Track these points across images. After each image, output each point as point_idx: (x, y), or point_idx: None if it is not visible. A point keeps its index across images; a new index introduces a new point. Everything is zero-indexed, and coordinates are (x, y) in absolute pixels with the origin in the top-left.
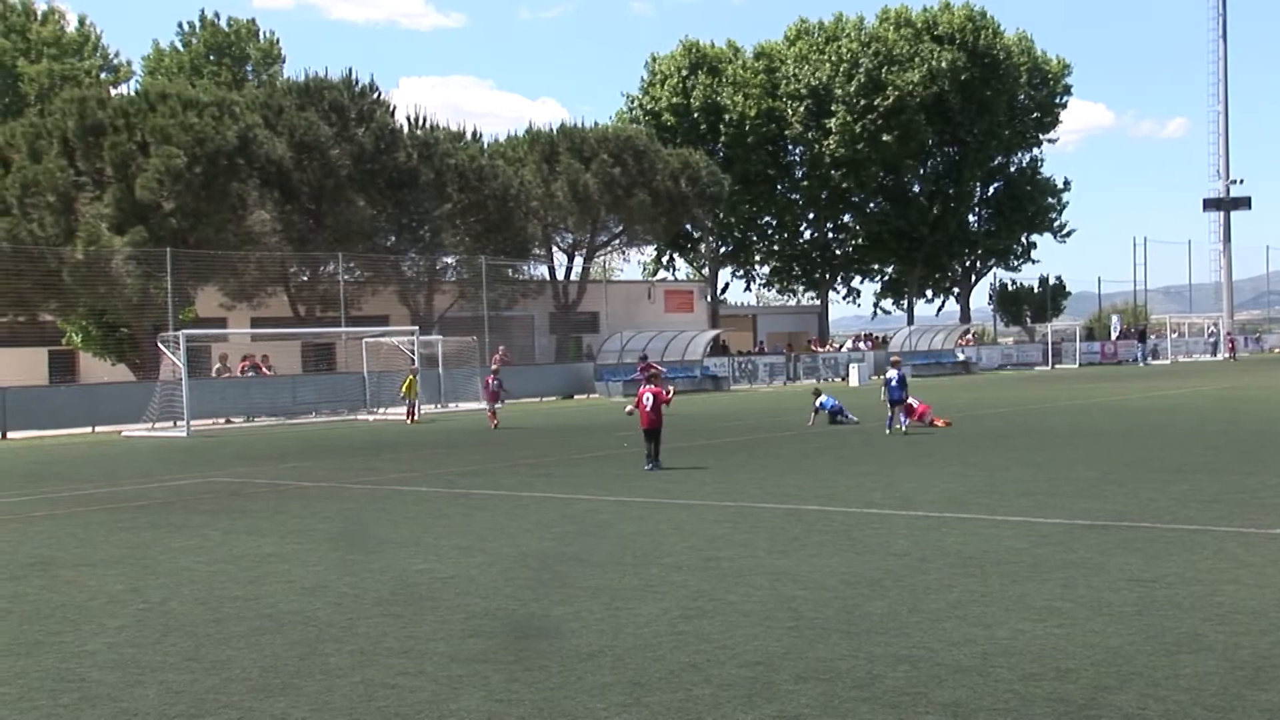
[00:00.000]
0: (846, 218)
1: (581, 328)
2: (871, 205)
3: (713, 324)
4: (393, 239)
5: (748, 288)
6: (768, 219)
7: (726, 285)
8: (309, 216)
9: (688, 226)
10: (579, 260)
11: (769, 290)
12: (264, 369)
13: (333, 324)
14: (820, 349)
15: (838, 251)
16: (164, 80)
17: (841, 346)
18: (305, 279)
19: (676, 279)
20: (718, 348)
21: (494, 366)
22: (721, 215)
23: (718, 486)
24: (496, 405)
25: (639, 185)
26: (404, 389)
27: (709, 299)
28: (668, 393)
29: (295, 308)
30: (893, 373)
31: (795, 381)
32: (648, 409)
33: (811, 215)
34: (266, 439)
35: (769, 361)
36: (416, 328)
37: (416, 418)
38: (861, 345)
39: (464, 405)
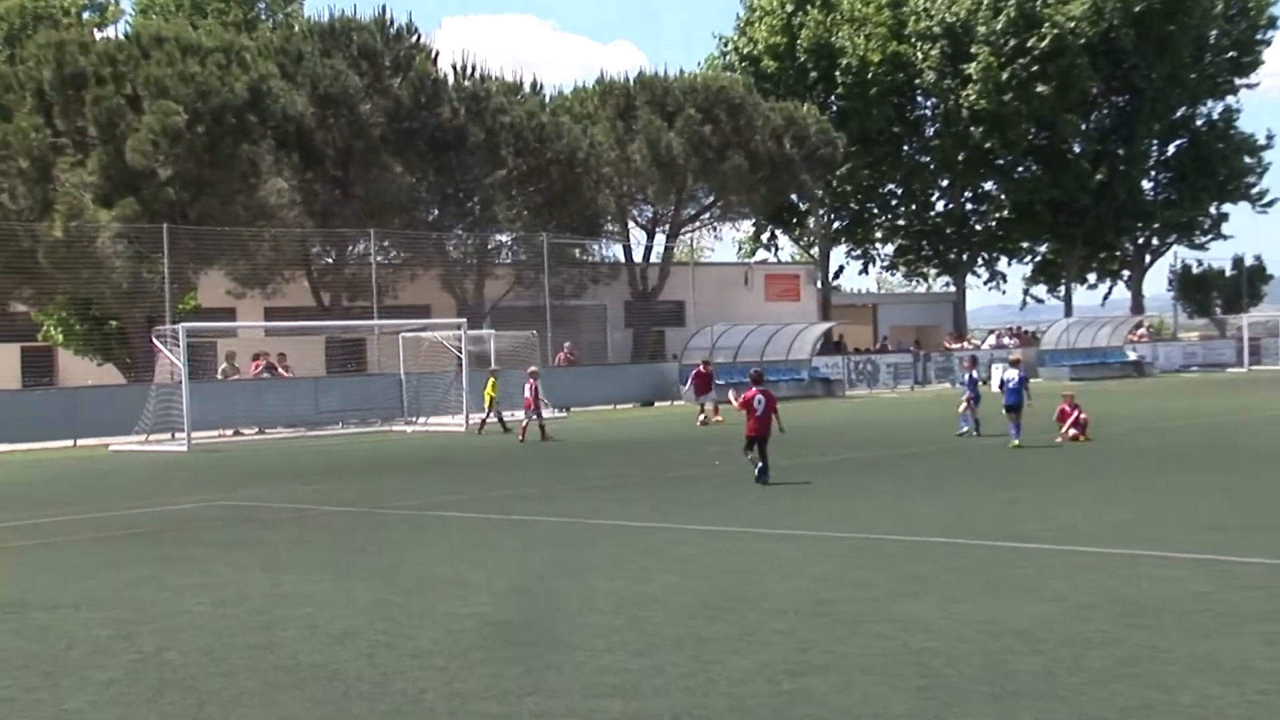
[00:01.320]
0: (989, 185)
1: (663, 320)
2: (1020, 169)
3: (823, 315)
4: (435, 213)
5: (866, 271)
6: (891, 187)
7: (841, 268)
8: (334, 186)
9: (793, 197)
10: (660, 238)
11: (893, 274)
12: (280, 370)
13: (363, 315)
14: (955, 345)
15: (978, 226)
16: (159, 21)
17: (982, 342)
18: (330, 261)
19: (779, 261)
20: (830, 344)
21: (531, 369)
22: (835, 183)
23: (829, 514)
24: (534, 417)
25: (734, 146)
26: (488, 392)
27: (819, 285)
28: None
29: (318, 296)
30: (1012, 373)
31: (924, 386)
32: (758, 413)
33: (945, 182)
34: (284, 454)
35: (892, 361)
36: (464, 320)
37: (505, 426)
38: (1007, 340)
39: (520, 414)
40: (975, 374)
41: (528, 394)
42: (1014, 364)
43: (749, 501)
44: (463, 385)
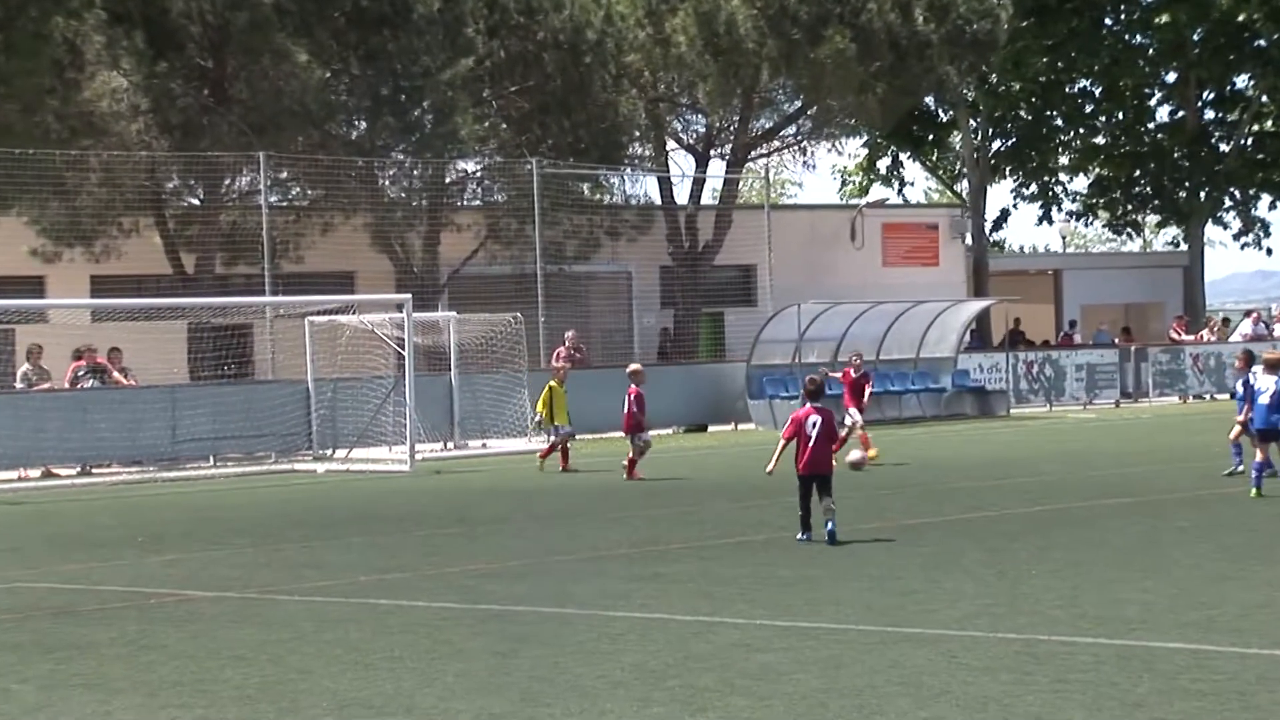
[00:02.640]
0: (1242, 82)
1: (723, 295)
2: None
3: (976, 288)
4: (361, 127)
5: (1046, 219)
6: (1085, 84)
7: (1004, 214)
8: (202, 84)
9: (928, 102)
10: (718, 167)
11: (1087, 224)
12: (116, 375)
13: (248, 290)
14: (1187, 334)
15: (1223, 148)
16: None
17: (1231, 330)
18: (196, 202)
19: (907, 202)
20: (984, 333)
21: (632, 367)
22: (996, 78)
23: (984, 600)
24: (638, 441)
25: (834, 20)
26: (542, 406)
27: (968, 240)
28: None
29: (176, 258)
30: (1270, 380)
31: (1137, 400)
32: (810, 441)
33: (1172, 76)
34: (122, 509)
35: (1086, 360)
36: (408, 296)
37: (567, 460)
38: (1266, 327)
39: (498, 444)
40: (1253, 379)
41: (630, 405)
42: (1273, 366)
43: (859, 580)
44: (406, 398)
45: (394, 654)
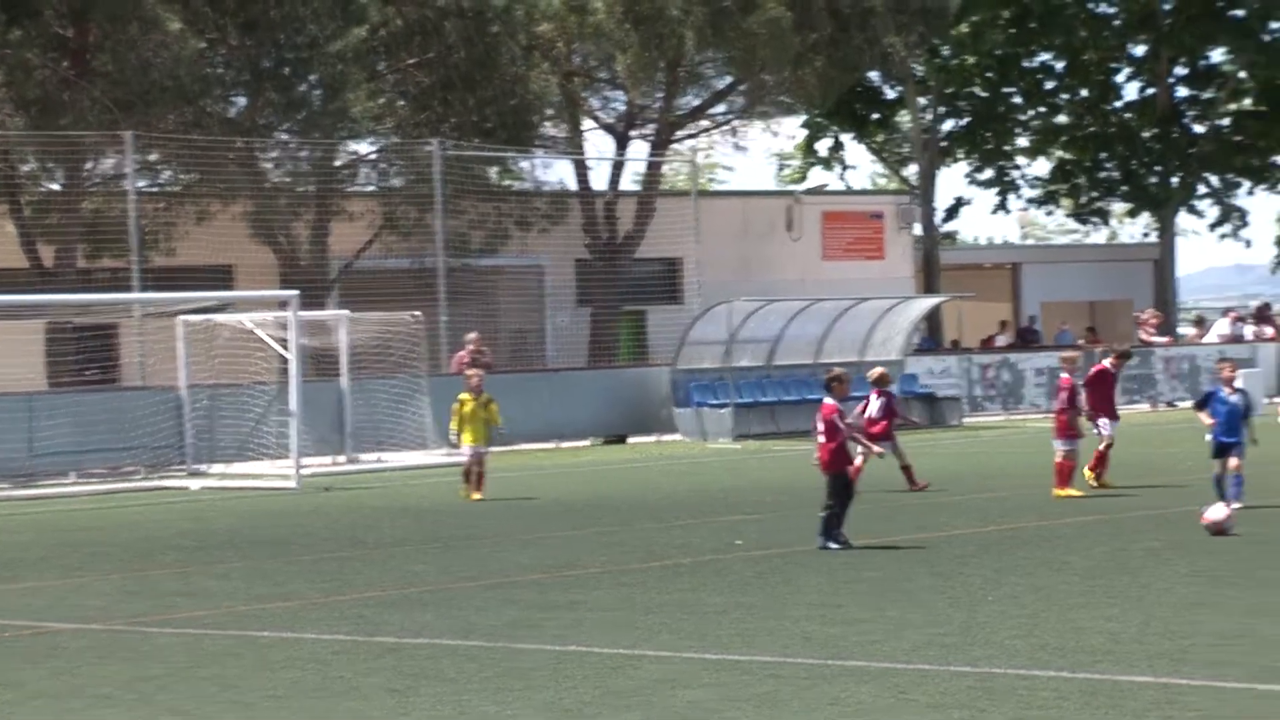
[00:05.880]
0: (1217, 54)
1: (646, 291)
2: (1275, 31)
3: (926, 284)
4: (240, 103)
5: (1003, 206)
6: (1046, 59)
7: (958, 203)
8: (61, 54)
9: (874, 76)
10: (641, 149)
11: (1048, 212)
12: None
13: (113, 285)
14: (1158, 336)
15: (1197, 128)
16: None
17: (1206, 330)
18: (57, 187)
19: (849, 189)
20: (935, 333)
21: (878, 372)
22: (947, 52)
23: (934, 630)
24: (893, 451)
25: None
26: (457, 420)
27: (916, 231)
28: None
29: (32, 250)
30: (1229, 393)
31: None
32: (821, 436)
33: (1140, 50)
34: None
35: (1048, 365)
36: (295, 293)
37: (477, 487)
38: (1245, 327)
39: (399, 457)
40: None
41: (873, 409)
42: (1224, 379)
43: (797, 609)
44: (292, 406)
45: (277, 693)
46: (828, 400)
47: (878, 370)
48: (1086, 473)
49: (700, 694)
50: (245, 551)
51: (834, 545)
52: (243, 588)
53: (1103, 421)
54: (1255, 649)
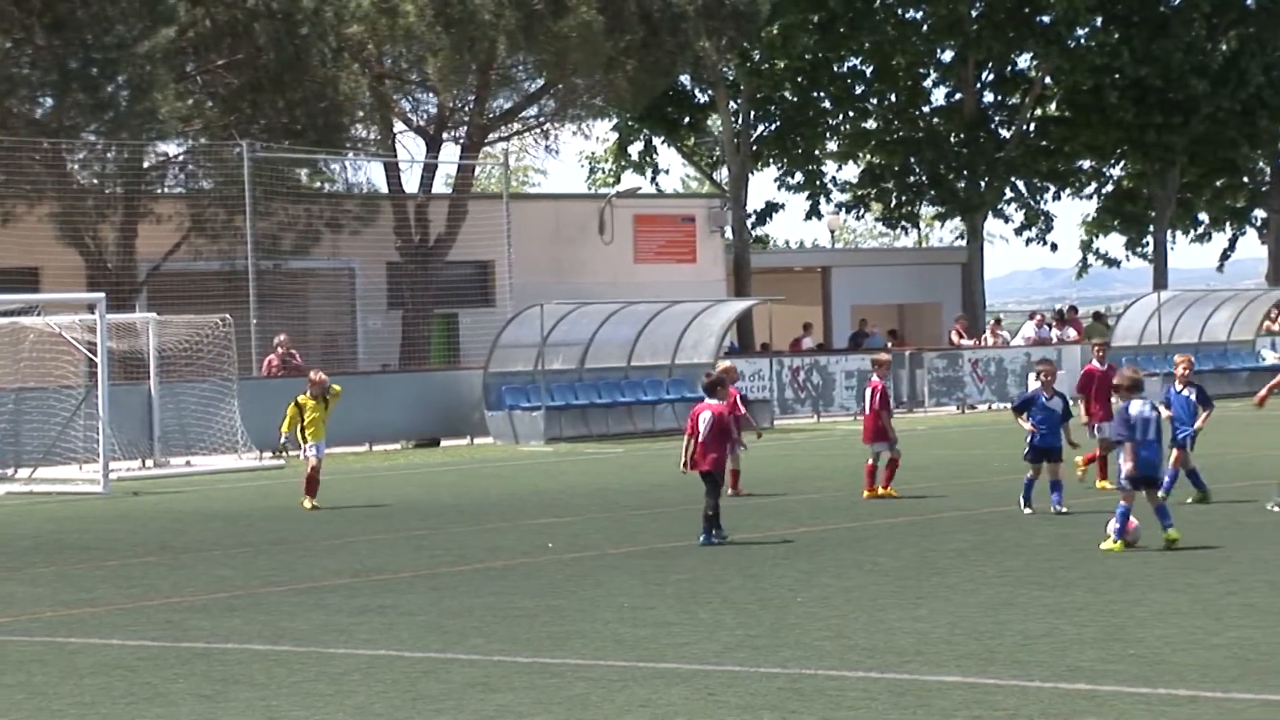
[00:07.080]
0: (1024, 61)
1: (457, 294)
2: (1083, 32)
3: (738, 287)
4: (47, 104)
5: (815, 211)
6: (856, 63)
7: (769, 207)
8: None
9: (684, 81)
10: (452, 152)
11: (858, 217)
12: None
13: None
14: (968, 339)
15: (1005, 134)
16: None
17: (1013, 335)
18: None
19: (661, 192)
20: (746, 338)
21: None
22: (758, 56)
23: (744, 631)
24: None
25: None
26: (287, 426)
27: (727, 234)
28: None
29: None
30: (1048, 397)
31: (912, 411)
32: (703, 437)
33: (948, 55)
34: None
35: (857, 368)
36: (102, 296)
37: (312, 496)
38: (1051, 330)
39: (208, 461)
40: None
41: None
42: (1042, 373)
43: (608, 611)
44: (98, 409)
45: (85, 699)
46: (712, 401)
47: (725, 364)
48: (1088, 468)
49: (511, 697)
50: (51, 557)
51: (716, 541)
52: (49, 594)
53: (1103, 426)
54: (1059, 648)
